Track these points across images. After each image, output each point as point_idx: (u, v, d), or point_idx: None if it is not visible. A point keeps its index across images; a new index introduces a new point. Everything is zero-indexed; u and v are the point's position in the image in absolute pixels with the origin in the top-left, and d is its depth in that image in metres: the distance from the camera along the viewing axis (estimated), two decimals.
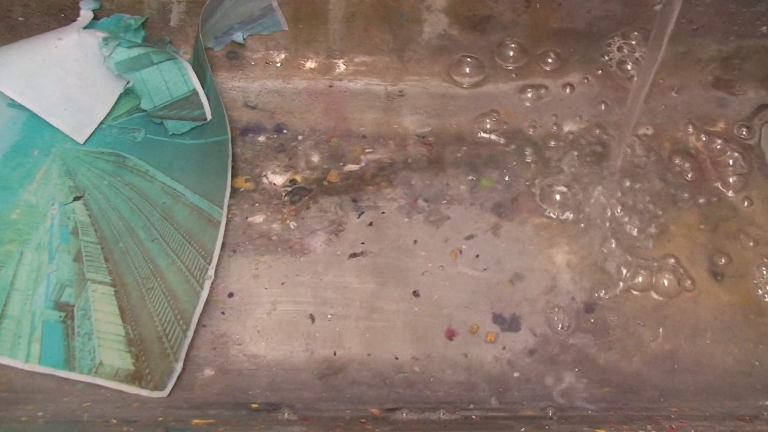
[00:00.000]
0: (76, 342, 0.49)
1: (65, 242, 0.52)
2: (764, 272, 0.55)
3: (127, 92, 0.57)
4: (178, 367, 0.49)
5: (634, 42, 0.59)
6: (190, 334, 0.49)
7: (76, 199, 0.54)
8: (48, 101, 0.55)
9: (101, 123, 0.57)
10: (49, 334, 0.49)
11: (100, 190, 0.55)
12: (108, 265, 0.52)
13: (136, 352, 0.49)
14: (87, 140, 0.56)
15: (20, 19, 0.57)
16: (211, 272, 0.51)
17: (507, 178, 0.58)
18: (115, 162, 0.56)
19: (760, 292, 0.54)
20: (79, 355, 0.49)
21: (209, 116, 0.55)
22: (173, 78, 0.55)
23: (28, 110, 0.54)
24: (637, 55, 0.59)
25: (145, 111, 0.56)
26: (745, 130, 0.60)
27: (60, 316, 0.50)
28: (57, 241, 0.52)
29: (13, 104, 0.54)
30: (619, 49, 0.58)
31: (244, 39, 0.59)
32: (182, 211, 0.54)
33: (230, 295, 0.52)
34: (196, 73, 0.55)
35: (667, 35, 0.48)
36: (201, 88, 0.55)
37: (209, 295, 0.52)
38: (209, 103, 0.55)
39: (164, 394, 0.48)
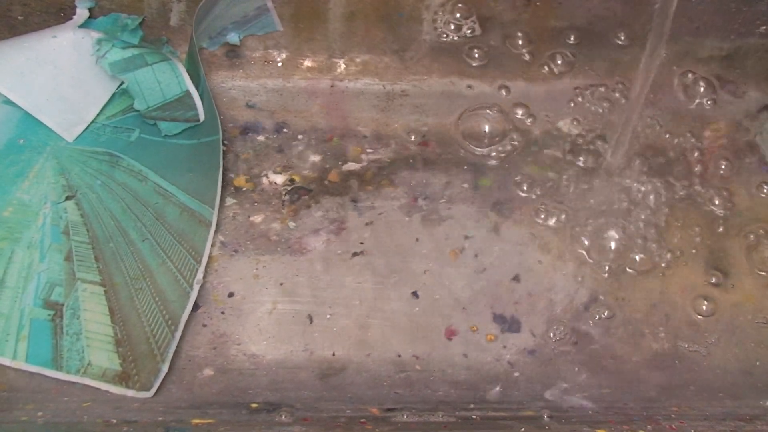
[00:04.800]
0: (65, 341, 0.49)
1: (56, 241, 0.52)
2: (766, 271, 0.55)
3: (122, 92, 0.57)
4: (165, 367, 0.49)
5: (458, 14, 0.58)
6: (178, 335, 0.49)
7: (68, 198, 0.54)
8: (39, 98, 0.55)
9: (96, 122, 0.57)
10: (37, 333, 0.49)
11: (92, 189, 0.55)
12: (98, 264, 0.52)
13: (123, 353, 0.49)
14: (81, 139, 0.56)
15: (20, 18, 0.57)
16: (200, 276, 0.51)
17: (507, 178, 0.57)
18: (109, 162, 0.56)
19: (761, 291, 0.54)
20: (67, 355, 0.49)
21: (202, 117, 0.55)
22: (167, 79, 0.55)
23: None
24: (468, 30, 0.57)
25: (138, 111, 0.56)
26: (745, 128, 0.60)
27: (49, 315, 0.50)
28: (48, 240, 0.52)
29: (8, 101, 0.54)
30: (446, 24, 0.57)
31: (240, 40, 0.59)
32: (174, 212, 0.53)
33: (230, 294, 0.52)
34: (190, 73, 0.55)
35: (666, 33, 0.48)
36: (195, 89, 0.55)
37: (210, 294, 0.52)
38: (202, 103, 0.55)
39: (150, 394, 0.48)
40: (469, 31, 0.57)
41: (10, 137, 0.55)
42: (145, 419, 0.46)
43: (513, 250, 0.55)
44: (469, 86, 0.61)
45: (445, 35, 0.58)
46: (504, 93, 0.60)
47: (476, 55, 0.60)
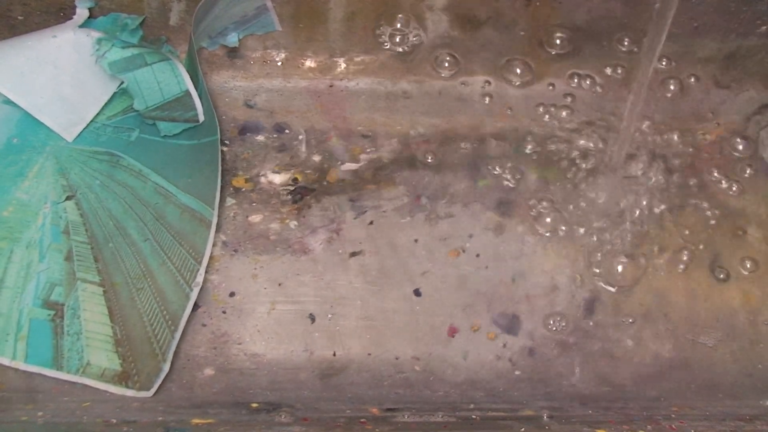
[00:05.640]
0: (65, 341, 0.49)
1: (56, 241, 0.52)
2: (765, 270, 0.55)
3: (122, 91, 0.57)
4: (166, 367, 0.49)
5: (399, 24, 0.58)
6: (178, 335, 0.49)
7: (68, 198, 0.54)
8: (39, 98, 0.55)
9: (96, 122, 0.57)
10: (36, 333, 0.49)
11: (92, 189, 0.55)
12: (98, 264, 0.52)
13: (123, 353, 0.49)
14: (81, 139, 0.56)
15: (20, 17, 0.56)
16: (199, 279, 0.51)
17: (507, 177, 0.57)
18: (109, 161, 0.56)
19: (761, 291, 0.54)
20: (67, 355, 0.49)
21: (201, 117, 0.55)
22: (166, 79, 0.55)
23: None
24: (413, 37, 0.57)
25: (138, 111, 0.56)
26: (745, 128, 0.60)
27: (49, 315, 0.50)
28: (48, 239, 0.52)
29: (8, 101, 0.54)
30: (391, 37, 0.57)
31: (238, 41, 0.59)
32: (174, 212, 0.53)
33: (231, 294, 0.52)
34: (189, 73, 0.55)
35: (665, 33, 0.48)
36: (194, 89, 0.55)
37: (210, 294, 0.52)
38: (201, 103, 0.55)
39: (149, 394, 0.48)
40: (415, 39, 0.57)
41: (10, 137, 0.55)
42: (145, 419, 0.46)
43: (513, 250, 0.55)
44: (463, 83, 0.61)
45: (390, 49, 0.58)
46: (503, 92, 0.60)
47: (475, 55, 0.60)
